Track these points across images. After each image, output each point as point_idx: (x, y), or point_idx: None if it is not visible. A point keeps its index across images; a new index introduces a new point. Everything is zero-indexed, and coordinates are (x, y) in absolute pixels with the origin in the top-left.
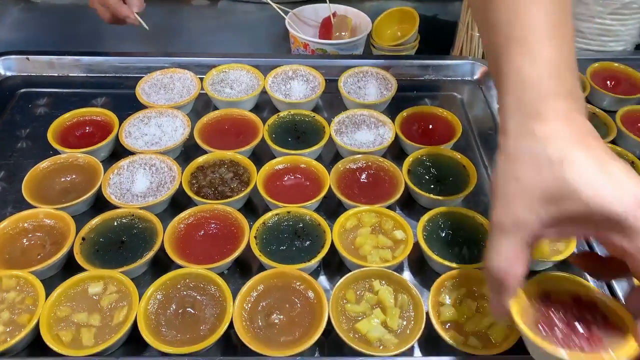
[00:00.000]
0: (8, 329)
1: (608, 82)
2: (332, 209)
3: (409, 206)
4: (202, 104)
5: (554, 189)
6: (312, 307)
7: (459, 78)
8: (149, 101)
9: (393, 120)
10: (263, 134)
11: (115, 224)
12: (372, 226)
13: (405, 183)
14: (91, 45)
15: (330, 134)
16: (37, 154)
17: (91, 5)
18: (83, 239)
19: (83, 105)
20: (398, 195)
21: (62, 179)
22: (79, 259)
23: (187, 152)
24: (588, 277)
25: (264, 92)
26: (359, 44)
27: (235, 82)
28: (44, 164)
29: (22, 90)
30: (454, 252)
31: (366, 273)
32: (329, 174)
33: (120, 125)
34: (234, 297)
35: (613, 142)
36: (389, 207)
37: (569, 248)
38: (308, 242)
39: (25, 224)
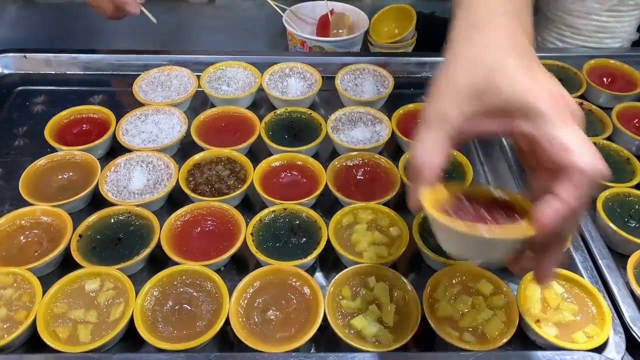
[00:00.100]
0: (5, 326)
1: (604, 79)
2: (328, 205)
3: (405, 203)
4: (199, 102)
5: (480, 87)
6: (308, 303)
7: None
8: (146, 99)
9: (390, 117)
10: (260, 132)
11: (112, 221)
12: (368, 223)
13: (402, 180)
14: (88, 42)
15: (326, 131)
16: (34, 151)
17: (91, 1)
18: (80, 236)
19: (80, 103)
20: (394, 192)
21: (59, 177)
22: (76, 256)
23: (184, 149)
24: None
25: (260, 89)
26: (356, 41)
27: (232, 80)
28: (41, 161)
29: (20, 88)
30: None
31: (362, 269)
32: (326, 171)
33: (117, 122)
34: (230, 294)
35: (609, 138)
36: (385, 204)
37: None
38: (304, 239)
39: (23, 221)
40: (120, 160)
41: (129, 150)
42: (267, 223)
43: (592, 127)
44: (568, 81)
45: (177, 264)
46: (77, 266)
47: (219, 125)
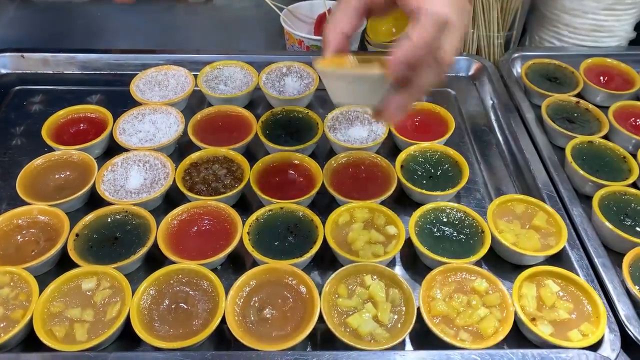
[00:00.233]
0: (2, 325)
1: (601, 78)
2: (325, 204)
3: (402, 201)
4: (196, 101)
5: None
6: (304, 302)
7: (453, 74)
8: (143, 98)
9: None
10: (257, 131)
11: (109, 220)
12: (365, 222)
13: (398, 179)
14: (86, 42)
15: (323, 130)
16: (31, 151)
17: None
18: (77, 235)
19: (78, 102)
20: (390, 191)
21: (57, 176)
22: (73, 255)
23: (181, 148)
24: None
25: (258, 88)
26: (354, 40)
27: (230, 79)
28: (38, 161)
29: (17, 87)
30: (445, 247)
31: (358, 268)
32: (322, 170)
33: (114, 122)
34: (227, 293)
35: (605, 137)
36: (381, 203)
37: (560, 243)
38: (301, 238)
39: (20, 221)
40: (117, 159)
41: (126, 150)
42: (264, 222)
43: (588, 126)
44: (565, 80)
45: (173, 262)
46: (74, 265)
47: (215, 124)
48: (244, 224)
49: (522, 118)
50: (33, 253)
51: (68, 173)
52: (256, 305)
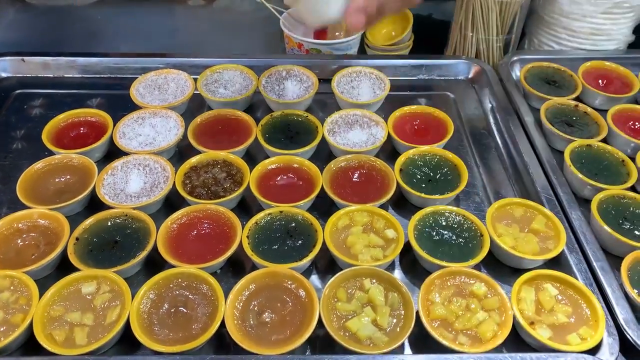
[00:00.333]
0: (2, 329)
1: (600, 81)
2: (324, 208)
3: (401, 205)
4: (196, 104)
5: None
6: (303, 305)
7: (452, 77)
8: (143, 102)
9: (386, 119)
10: (256, 134)
11: (109, 224)
12: (364, 225)
13: (397, 182)
14: (86, 45)
15: (323, 134)
16: (32, 154)
17: None
18: (77, 239)
19: (78, 106)
20: (390, 195)
21: (57, 180)
22: (73, 259)
23: (181, 152)
24: None
25: (257, 92)
26: (353, 43)
27: (229, 83)
28: (39, 164)
29: (17, 91)
30: (444, 250)
31: (357, 272)
32: (322, 173)
33: (114, 125)
34: (226, 296)
35: (604, 140)
36: (381, 206)
37: (558, 247)
38: (300, 242)
39: (20, 225)
40: (117, 163)
41: (126, 153)
42: (263, 226)
43: (587, 129)
44: (564, 83)
45: (173, 266)
46: (74, 269)
47: (215, 128)
48: (243, 228)
49: (521, 121)
50: (33, 257)
51: (68, 177)
52: (255, 309)
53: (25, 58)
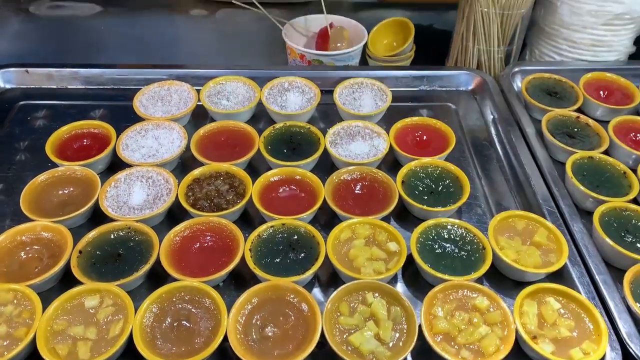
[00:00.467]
0: (5, 343)
1: (601, 92)
2: (327, 219)
3: (403, 217)
4: (199, 115)
5: None
6: (305, 320)
7: (454, 88)
8: (146, 113)
9: (387, 130)
10: (259, 146)
11: (112, 236)
12: (366, 238)
13: (399, 194)
14: (89, 55)
15: (325, 146)
16: (35, 166)
17: None
18: (80, 252)
19: (81, 117)
20: (392, 207)
21: (60, 192)
22: (76, 272)
23: (184, 163)
24: None
25: (260, 103)
26: (355, 54)
27: (232, 94)
28: (42, 176)
29: (21, 102)
30: (447, 264)
31: (359, 285)
32: (324, 185)
33: (117, 137)
34: (229, 310)
35: (606, 152)
36: (383, 218)
37: (561, 260)
38: (302, 254)
39: (23, 237)
40: (121, 175)
41: (129, 165)
42: (266, 238)
43: (588, 141)
44: (565, 94)
45: (176, 279)
46: (77, 282)
47: (218, 139)
48: (245, 240)
49: (522, 132)
50: (36, 270)
51: (71, 189)
52: (258, 323)
53: (29, 69)
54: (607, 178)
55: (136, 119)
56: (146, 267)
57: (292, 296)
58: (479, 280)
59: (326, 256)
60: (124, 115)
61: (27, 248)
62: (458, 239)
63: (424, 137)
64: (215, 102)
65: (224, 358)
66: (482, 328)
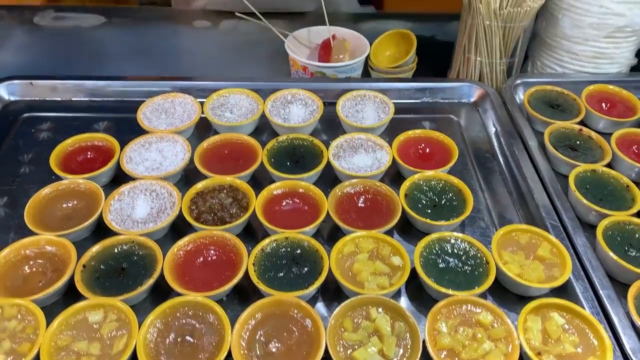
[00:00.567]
0: (9, 358)
1: (603, 105)
2: (330, 232)
3: (407, 230)
4: (202, 128)
5: None
6: (309, 335)
7: (456, 100)
8: (150, 126)
9: (390, 142)
10: (262, 159)
11: (116, 250)
12: (370, 252)
13: (402, 208)
14: (93, 66)
15: (328, 158)
16: (39, 178)
17: None
18: (84, 266)
19: (85, 130)
20: (395, 221)
21: (64, 205)
22: (80, 286)
23: (187, 176)
24: None
25: (263, 115)
26: (357, 66)
27: (235, 107)
28: (46, 190)
29: (26, 114)
30: (450, 278)
31: (363, 300)
32: (327, 198)
33: (121, 150)
34: (232, 325)
35: (609, 165)
36: (386, 232)
37: (564, 274)
38: (306, 269)
39: (27, 251)
40: (124, 188)
41: (132, 178)
42: (269, 252)
43: (591, 154)
44: (567, 107)
45: (179, 294)
46: (81, 296)
47: (221, 152)
48: (249, 254)
49: (525, 145)
50: (40, 284)
51: (75, 202)
52: (262, 338)
53: (33, 82)
54: (610, 191)
55: (140, 131)
56: (150, 282)
57: (295, 311)
58: (482, 295)
59: (329, 270)
60: (128, 128)
61: (31, 262)
62: (461, 253)
63: (427, 150)
64: (219, 115)
65: None
66: (486, 344)
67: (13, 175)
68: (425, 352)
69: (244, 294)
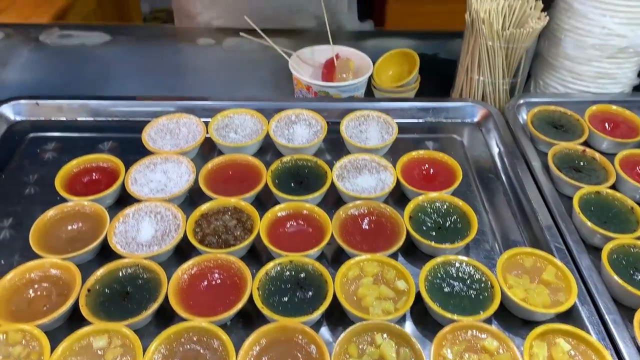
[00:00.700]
0: None
1: (606, 125)
2: (334, 255)
3: (412, 253)
4: (207, 148)
5: None
6: None
7: (459, 120)
8: (154, 147)
9: (394, 162)
10: (266, 180)
11: (120, 274)
12: (374, 276)
13: (407, 230)
14: (97, 85)
15: (332, 179)
16: (44, 200)
17: None
18: (88, 290)
19: (91, 150)
20: (400, 244)
21: (69, 227)
22: (85, 311)
23: (192, 197)
24: None
25: (267, 135)
26: (360, 85)
27: (240, 127)
28: (51, 212)
29: (31, 134)
30: (455, 303)
31: (368, 326)
32: (331, 219)
33: (126, 171)
34: (237, 350)
35: (613, 186)
36: (391, 254)
37: (570, 299)
38: (310, 293)
39: (32, 275)
40: (129, 210)
41: (137, 200)
42: (273, 276)
43: (595, 175)
44: (570, 127)
45: (183, 318)
46: (85, 320)
47: (226, 173)
48: (253, 277)
49: (528, 166)
50: (45, 308)
51: (80, 224)
52: None
53: (39, 102)
54: (615, 214)
55: (145, 151)
56: (154, 306)
57: (300, 337)
58: (487, 320)
59: (334, 295)
60: (132, 148)
61: (36, 286)
62: (466, 277)
63: (431, 171)
64: (224, 135)
65: None
66: None
67: (18, 196)
68: None
69: (248, 318)
